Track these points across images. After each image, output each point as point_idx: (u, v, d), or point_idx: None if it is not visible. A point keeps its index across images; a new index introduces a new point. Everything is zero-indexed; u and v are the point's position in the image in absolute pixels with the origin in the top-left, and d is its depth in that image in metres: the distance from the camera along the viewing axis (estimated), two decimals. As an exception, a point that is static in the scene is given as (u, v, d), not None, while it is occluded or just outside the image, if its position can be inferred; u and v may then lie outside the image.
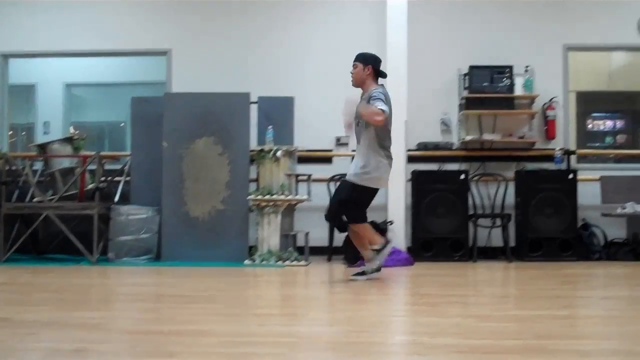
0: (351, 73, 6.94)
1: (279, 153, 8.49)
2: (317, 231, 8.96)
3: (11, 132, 10.82)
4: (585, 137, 11.31)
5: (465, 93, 9.48)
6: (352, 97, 6.86)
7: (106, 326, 4.54)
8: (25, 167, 8.98)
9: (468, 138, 9.46)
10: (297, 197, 8.57)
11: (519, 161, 9.53)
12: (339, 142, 9.76)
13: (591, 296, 6.36)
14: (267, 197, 8.40)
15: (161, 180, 8.73)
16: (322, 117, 9.65)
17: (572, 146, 9.79)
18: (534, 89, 9.48)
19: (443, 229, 8.87)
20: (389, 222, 8.72)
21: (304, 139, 9.23)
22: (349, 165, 9.51)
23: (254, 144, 8.85)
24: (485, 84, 9.41)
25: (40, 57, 10.64)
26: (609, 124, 11.66)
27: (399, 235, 8.70)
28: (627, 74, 11.66)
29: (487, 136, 9.56)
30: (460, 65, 9.55)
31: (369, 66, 6.82)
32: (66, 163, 8.96)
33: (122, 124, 12.11)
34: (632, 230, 9.17)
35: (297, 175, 8.78)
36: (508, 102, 9.48)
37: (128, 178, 9.11)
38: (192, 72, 9.88)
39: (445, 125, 9.67)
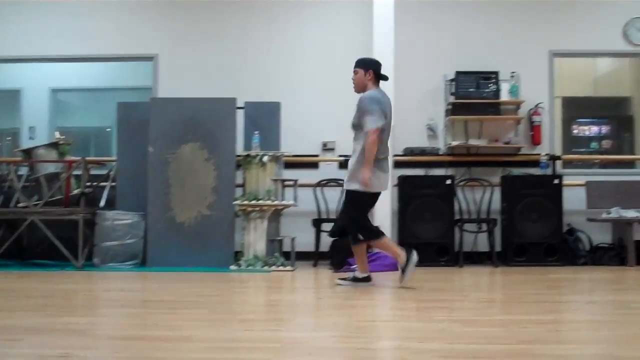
0: (352, 79, 6.94)
1: (265, 158, 8.48)
2: (303, 236, 8.97)
3: (-4, 137, 10.79)
4: (571, 142, 11.34)
5: (452, 99, 9.51)
6: None
7: (91, 332, 4.52)
8: (10, 172, 8.95)
9: (454, 143, 9.49)
10: (284, 202, 8.57)
11: (505, 166, 9.55)
12: (326, 148, 9.77)
13: (577, 301, 6.38)
14: (254, 202, 8.39)
15: (147, 185, 8.70)
16: (309, 122, 9.67)
17: (557, 151, 9.83)
18: (519, 95, 9.52)
19: (429, 234, 8.88)
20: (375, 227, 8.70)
21: (291, 144, 9.23)
22: (335, 171, 9.61)
23: (240, 149, 8.84)
24: (471, 89, 9.44)
25: (26, 62, 10.59)
26: (594, 129, 11.69)
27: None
28: (613, 80, 11.73)
29: (473, 141, 9.59)
30: (447, 71, 9.58)
31: (370, 71, 6.85)
32: (51, 168, 8.92)
33: (108, 129, 12.07)
34: (617, 235, 9.20)
35: (284, 181, 8.77)
36: (494, 108, 9.51)
37: (114, 183, 9.07)
38: (178, 78, 9.86)
39: (432, 130, 9.70)
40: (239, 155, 8.71)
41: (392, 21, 9.02)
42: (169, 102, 8.94)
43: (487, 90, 9.44)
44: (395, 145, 8.97)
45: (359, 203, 6.76)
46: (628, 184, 9.44)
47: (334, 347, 4.07)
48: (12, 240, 8.69)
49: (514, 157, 9.62)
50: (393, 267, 8.33)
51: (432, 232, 8.90)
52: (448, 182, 9.05)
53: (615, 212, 9.07)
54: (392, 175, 8.86)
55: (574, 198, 9.29)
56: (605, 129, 11.67)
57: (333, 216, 9.29)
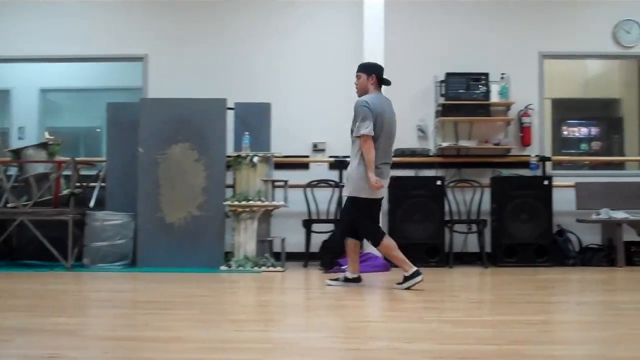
0: (355, 84, 6.96)
1: (255, 159, 8.47)
2: (293, 237, 8.96)
3: (-14, 137, 10.74)
4: (561, 144, 11.38)
5: (442, 100, 9.52)
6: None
7: (80, 332, 4.51)
8: (-1, 173, 8.91)
9: (444, 144, 9.50)
10: (274, 203, 8.55)
11: (495, 167, 9.57)
12: (316, 148, 9.77)
13: (566, 301, 6.39)
14: (244, 202, 8.37)
15: (137, 186, 8.68)
16: (299, 123, 9.67)
17: (547, 153, 9.85)
18: (509, 96, 9.53)
19: (419, 235, 8.88)
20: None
21: (281, 145, 9.22)
22: (325, 171, 9.61)
23: (230, 150, 8.83)
24: (461, 91, 9.45)
25: (15, 63, 10.55)
26: (584, 131, 11.74)
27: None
28: (602, 82, 11.78)
29: (463, 143, 9.60)
30: (437, 72, 9.59)
31: (373, 75, 6.87)
32: (41, 168, 8.89)
33: (98, 130, 12.04)
34: (607, 236, 9.23)
35: (274, 181, 8.76)
36: (484, 109, 9.52)
37: (103, 184, 9.04)
38: (168, 78, 9.84)
39: (422, 131, 9.70)
40: (229, 156, 8.69)
41: (382, 22, 9.02)
42: (158, 103, 8.91)
43: (477, 91, 9.45)
44: (385, 146, 8.97)
45: (360, 208, 6.73)
46: (617, 185, 9.47)
47: (324, 347, 4.06)
48: (1, 240, 8.65)
49: (504, 159, 9.63)
50: (383, 267, 8.35)
51: (422, 232, 8.91)
52: (438, 183, 9.06)
53: (605, 213, 9.10)
54: (383, 176, 8.88)
55: (563, 199, 9.31)
56: (594, 131, 11.73)
57: (323, 217, 9.30)
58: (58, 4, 10.06)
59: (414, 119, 9.67)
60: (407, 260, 6.67)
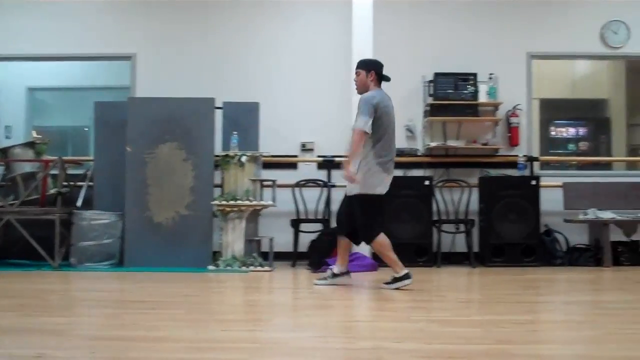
0: (355, 81, 6.93)
1: (243, 158, 8.45)
2: (281, 237, 8.96)
3: (-28, 136, 10.68)
4: (548, 144, 11.42)
5: (430, 100, 9.53)
6: None
7: (67, 332, 4.49)
8: (-14, 172, 8.87)
9: (432, 144, 9.52)
10: (262, 202, 8.54)
11: (483, 167, 9.59)
12: (305, 148, 9.76)
13: (553, 301, 6.41)
14: (232, 202, 8.36)
15: (124, 185, 8.65)
16: (288, 122, 9.67)
17: (535, 153, 9.88)
18: (497, 97, 9.56)
19: (407, 235, 8.88)
20: (354, 227, 8.71)
21: (269, 144, 9.21)
22: (313, 171, 9.60)
23: (218, 150, 8.81)
24: (449, 91, 9.46)
25: (2, 61, 10.50)
26: (571, 131, 11.78)
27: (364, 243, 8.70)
28: (590, 82, 11.82)
29: (452, 142, 9.63)
30: (425, 73, 9.60)
31: (372, 72, 6.83)
32: (28, 168, 8.86)
33: (86, 129, 12.00)
34: (594, 236, 9.26)
35: (262, 181, 8.75)
36: (472, 109, 9.54)
37: (91, 183, 9.02)
38: (156, 77, 9.82)
39: (410, 131, 9.71)
40: (217, 156, 8.68)
41: (371, 22, 9.03)
42: (147, 102, 8.89)
43: (465, 91, 9.47)
44: (374, 146, 8.96)
45: (364, 206, 6.69)
46: (605, 186, 9.50)
47: (312, 347, 4.06)
48: (-12, 240, 8.62)
49: (492, 158, 9.66)
50: (371, 267, 8.36)
51: (410, 232, 8.92)
52: (426, 183, 9.07)
53: (592, 213, 9.13)
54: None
55: (551, 199, 9.33)
56: (582, 131, 11.77)
57: (312, 217, 9.30)
58: (46, 3, 10.03)
59: (403, 119, 9.64)
60: (399, 262, 6.67)
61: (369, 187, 6.63)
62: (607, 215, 9.08)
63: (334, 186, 9.44)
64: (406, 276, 6.60)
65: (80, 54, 10.12)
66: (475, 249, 9.15)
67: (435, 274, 8.23)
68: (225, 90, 9.38)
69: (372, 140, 6.64)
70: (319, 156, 9.66)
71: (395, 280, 6.61)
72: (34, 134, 9.20)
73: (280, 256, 8.92)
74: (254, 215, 8.61)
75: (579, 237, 9.41)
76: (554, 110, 11.69)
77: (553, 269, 8.75)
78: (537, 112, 10.68)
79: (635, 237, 9.16)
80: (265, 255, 8.55)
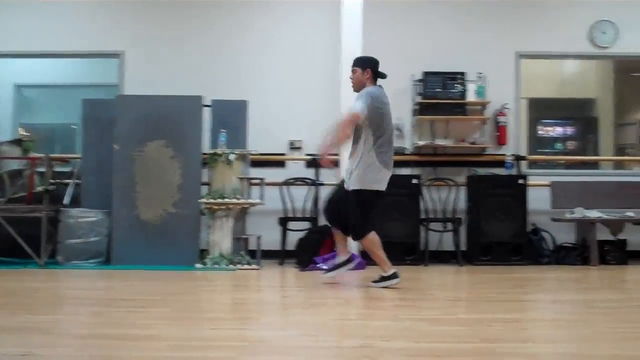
0: (350, 78, 6.90)
1: (231, 156, 8.43)
2: (269, 235, 8.93)
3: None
4: (536, 143, 11.46)
5: (419, 99, 9.54)
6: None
7: (54, 330, 4.47)
8: (-28, 169, 8.82)
9: (421, 143, 9.53)
10: (250, 200, 8.53)
11: (471, 166, 9.60)
12: (293, 146, 9.75)
13: (540, 300, 6.44)
14: (220, 200, 8.34)
15: (112, 183, 8.62)
16: (276, 121, 9.65)
17: (522, 152, 9.89)
18: (486, 96, 9.57)
19: (395, 233, 8.87)
20: (342, 226, 8.71)
21: (258, 142, 9.18)
22: (302, 169, 9.60)
23: (206, 148, 8.78)
24: (438, 90, 9.47)
25: (-11, 58, 10.47)
26: (559, 130, 11.83)
27: (352, 240, 8.70)
28: (578, 82, 11.87)
29: (440, 141, 9.63)
30: (414, 71, 9.60)
31: (368, 69, 6.80)
32: (15, 165, 8.81)
33: (74, 126, 11.95)
34: (581, 235, 9.29)
35: (250, 179, 8.73)
36: (460, 108, 9.56)
37: (78, 180, 8.98)
38: (144, 75, 9.78)
39: (399, 130, 9.69)
40: (205, 153, 8.65)
41: (360, 21, 9.01)
42: (135, 100, 8.85)
43: (453, 90, 9.49)
44: (362, 145, 8.96)
45: (359, 202, 6.63)
46: (592, 185, 9.53)
47: (300, 345, 4.06)
48: (-26, 237, 8.57)
49: (480, 157, 9.67)
50: (359, 265, 8.34)
51: (398, 231, 8.91)
52: (415, 181, 9.07)
53: (579, 212, 9.15)
54: (359, 175, 8.87)
55: (538, 198, 9.35)
56: (570, 130, 11.83)
57: (299, 215, 9.29)
58: (33, 0, 10.00)
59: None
60: (388, 261, 6.67)
61: (368, 183, 6.60)
62: (594, 214, 9.11)
63: (322, 184, 9.43)
64: (394, 275, 6.61)
65: (68, 51, 10.08)
66: (463, 247, 9.16)
67: (423, 272, 8.24)
68: (214, 88, 9.34)
69: (374, 137, 6.59)
70: (307, 154, 9.65)
71: (383, 279, 6.62)
72: (21, 131, 9.16)
73: (268, 254, 8.91)
74: (242, 213, 8.59)
75: (566, 236, 9.44)
76: (542, 109, 11.74)
77: (540, 267, 8.77)
78: (525, 112, 10.72)
79: (621, 236, 9.19)
80: (252, 254, 8.54)
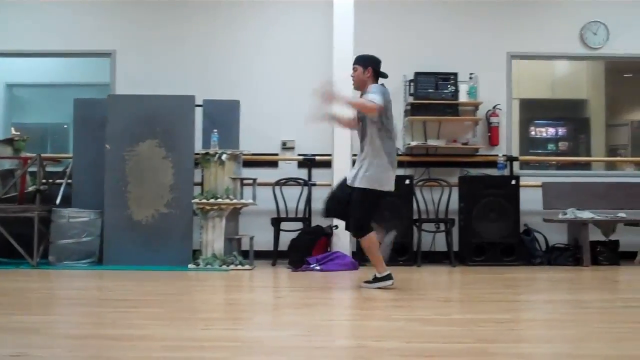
0: (351, 76, 6.86)
1: (224, 157, 8.43)
2: (262, 235, 8.93)
3: (-51, 132, 10.57)
4: (528, 144, 11.48)
5: (411, 99, 9.55)
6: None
7: (46, 331, 4.46)
8: (-37, 169, 8.79)
9: (413, 144, 9.53)
10: (242, 201, 8.52)
11: (463, 167, 9.61)
12: (285, 147, 9.75)
13: (532, 300, 6.45)
14: (212, 200, 8.33)
15: (104, 183, 8.60)
16: (268, 121, 9.64)
17: (514, 153, 9.91)
18: (478, 96, 9.59)
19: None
20: (334, 226, 8.72)
21: (250, 142, 9.18)
22: (294, 170, 9.59)
23: (199, 148, 8.77)
24: (430, 90, 9.49)
25: (-20, 57, 10.43)
26: (551, 131, 11.86)
27: (344, 240, 8.72)
28: (570, 83, 11.90)
29: (432, 142, 9.65)
30: (406, 72, 9.61)
31: (369, 68, 6.76)
32: (6, 165, 8.79)
33: (65, 126, 11.93)
34: (573, 236, 9.30)
35: (242, 179, 8.72)
36: (452, 109, 9.57)
37: (70, 180, 8.96)
38: (136, 74, 9.76)
39: (391, 130, 9.71)
40: (197, 154, 8.65)
41: (352, 21, 9.02)
42: (126, 99, 8.84)
43: (445, 91, 9.50)
44: (354, 145, 8.92)
45: (366, 200, 6.57)
46: (584, 185, 9.55)
47: (292, 346, 4.06)
48: (-34, 237, 8.54)
49: (472, 158, 9.69)
50: (352, 266, 8.36)
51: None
52: (407, 182, 9.08)
53: (571, 213, 9.17)
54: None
55: (530, 199, 9.37)
56: (562, 131, 11.86)
57: (292, 215, 9.28)
58: (25, -2, 9.97)
59: (383, 118, 9.67)
60: (384, 263, 6.67)
61: (379, 183, 6.56)
62: (586, 215, 9.13)
63: (314, 185, 9.44)
64: (388, 277, 6.60)
65: (59, 50, 10.05)
66: (456, 248, 9.17)
67: (415, 273, 8.25)
68: (206, 88, 9.34)
69: (384, 137, 6.59)
70: (299, 154, 9.65)
71: (377, 279, 6.61)
72: (13, 131, 9.14)
73: (261, 255, 8.91)
74: (235, 213, 8.59)
75: (558, 236, 9.46)
76: (533, 110, 11.77)
77: (532, 268, 8.78)
78: (517, 112, 10.73)
79: (613, 237, 9.22)
80: (245, 254, 8.53)
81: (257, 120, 9.47)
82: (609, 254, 9.08)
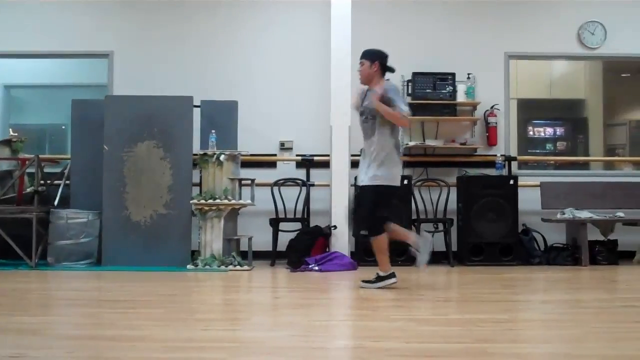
0: (358, 71, 6.87)
1: (222, 157, 8.42)
2: (260, 236, 8.93)
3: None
4: (526, 143, 11.48)
5: (409, 99, 9.53)
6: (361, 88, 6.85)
7: (45, 332, 4.46)
8: (-39, 170, 8.78)
9: (411, 144, 9.54)
10: (241, 201, 8.52)
11: (461, 167, 9.61)
12: (283, 147, 9.74)
13: (531, 300, 6.45)
14: (210, 201, 8.33)
15: (102, 183, 8.60)
16: (266, 121, 9.64)
17: (513, 152, 9.91)
18: (475, 96, 9.59)
19: (386, 234, 8.88)
20: (333, 226, 8.72)
21: (248, 143, 9.18)
22: (292, 170, 9.58)
23: (197, 148, 8.77)
24: (428, 90, 9.49)
25: (-22, 58, 10.42)
26: (549, 131, 11.85)
27: (343, 240, 8.72)
28: (568, 83, 11.90)
29: (430, 142, 9.65)
30: (404, 72, 9.60)
31: (376, 62, 6.78)
32: (4, 166, 8.78)
33: (63, 127, 11.92)
34: (571, 235, 9.30)
35: (241, 180, 8.72)
36: (450, 109, 9.58)
37: (68, 181, 8.96)
38: (134, 75, 9.75)
39: (389, 130, 9.71)
40: (195, 154, 8.64)
41: (349, 21, 9.01)
42: (124, 100, 8.84)
43: (443, 91, 9.50)
44: (352, 145, 8.94)
45: (381, 198, 6.58)
46: (582, 185, 9.56)
47: (290, 346, 4.06)
48: (-36, 239, 8.54)
49: (470, 158, 9.69)
50: (350, 266, 8.36)
51: (389, 231, 8.91)
52: (405, 182, 9.06)
53: (569, 213, 9.17)
54: (349, 175, 8.89)
55: (529, 199, 9.37)
56: (560, 131, 11.85)
57: (290, 215, 9.27)
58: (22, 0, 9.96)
59: (381, 118, 9.67)
60: (389, 263, 6.69)
61: (390, 180, 6.59)
62: (584, 214, 9.14)
63: (312, 185, 9.43)
64: (392, 275, 6.64)
65: (57, 51, 10.05)
66: (454, 248, 9.17)
67: (414, 273, 8.22)
68: (204, 88, 9.34)
69: (395, 133, 6.68)
70: (297, 155, 9.65)
71: (380, 279, 6.62)
72: (11, 132, 9.13)
73: (259, 255, 8.91)
74: (233, 214, 8.59)
75: (556, 236, 9.45)
76: (531, 110, 11.76)
77: (531, 268, 8.78)
78: (515, 112, 10.72)
79: (612, 237, 9.22)
80: (244, 255, 8.54)
81: (255, 120, 9.47)
82: (608, 254, 9.08)
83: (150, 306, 5.57)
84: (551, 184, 9.54)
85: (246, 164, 9.13)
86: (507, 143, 9.82)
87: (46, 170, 9.03)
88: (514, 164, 9.73)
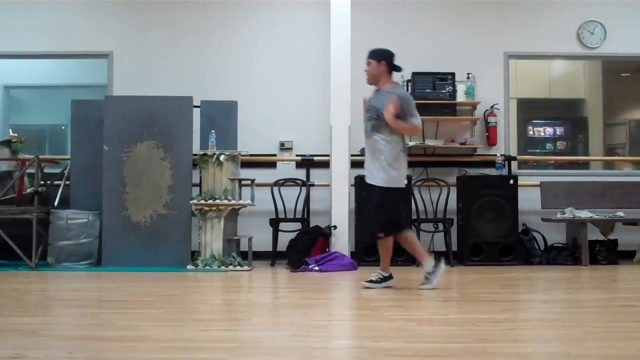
0: (365, 70, 6.87)
1: (222, 157, 8.42)
2: (260, 236, 8.93)
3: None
4: (526, 143, 11.48)
5: (409, 99, 9.54)
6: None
7: (44, 332, 4.46)
8: (-39, 171, 8.78)
9: (411, 144, 9.51)
10: (241, 201, 8.52)
11: (461, 167, 9.60)
12: (283, 147, 9.74)
13: (531, 300, 6.45)
14: (210, 201, 8.33)
15: (102, 184, 8.60)
16: (266, 121, 9.63)
17: (512, 152, 9.91)
18: (475, 96, 9.59)
19: (386, 234, 8.87)
20: (333, 226, 8.72)
21: (248, 143, 9.18)
22: (292, 170, 9.57)
23: (196, 148, 8.77)
24: (427, 90, 9.49)
25: (-23, 59, 10.42)
26: (549, 130, 11.85)
27: (343, 240, 8.72)
28: (567, 82, 11.89)
29: (430, 142, 9.64)
30: (404, 72, 9.51)
31: (383, 62, 6.79)
32: (4, 166, 8.78)
33: (63, 127, 11.92)
34: (571, 235, 9.30)
35: (241, 180, 8.72)
36: (450, 109, 9.57)
37: (68, 182, 8.96)
38: (133, 75, 9.75)
39: (388, 130, 9.71)
40: (195, 154, 8.64)
41: (349, 21, 9.01)
42: (124, 100, 8.83)
43: (443, 91, 9.50)
44: (352, 145, 8.95)
45: (391, 200, 6.64)
46: (582, 185, 9.55)
47: (290, 346, 4.06)
48: (-36, 239, 8.54)
49: (470, 158, 9.69)
50: (351, 266, 8.36)
51: (389, 231, 8.91)
52: (405, 182, 9.05)
53: (569, 212, 9.17)
54: (349, 175, 8.88)
55: (529, 198, 9.37)
56: (559, 131, 11.85)
57: (290, 215, 9.27)
58: (21, 0, 9.93)
59: (381, 118, 9.67)
60: (389, 264, 6.76)
61: (397, 181, 6.66)
62: (584, 214, 9.13)
63: (312, 185, 9.43)
64: (389, 277, 6.69)
65: (56, 52, 10.04)
66: (454, 247, 9.17)
67: (414, 272, 8.21)
68: (203, 88, 9.33)
69: (403, 136, 6.75)
70: (297, 155, 9.65)
71: (385, 279, 6.67)
72: (11, 133, 9.12)
73: (259, 255, 8.90)
74: (233, 214, 8.58)
75: (556, 235, 9.45)
76: (531, 109, 11.77)
77: (531, 267, 8.78)
78: (515, 112, 10.72)
79: (612, 236, 9.21)
80: (244, 255, 8.54)
81: (255, 120, 9.47)
82: (608, 253, 9.07)
83: (150, 306, 5.58)
84: (551, 184, 9.54)
85: (246, 164, 9.13)
86: (507, 143, 9.82)
87: (46, 170, 9.03)
88: (514, 164, 9.73)
